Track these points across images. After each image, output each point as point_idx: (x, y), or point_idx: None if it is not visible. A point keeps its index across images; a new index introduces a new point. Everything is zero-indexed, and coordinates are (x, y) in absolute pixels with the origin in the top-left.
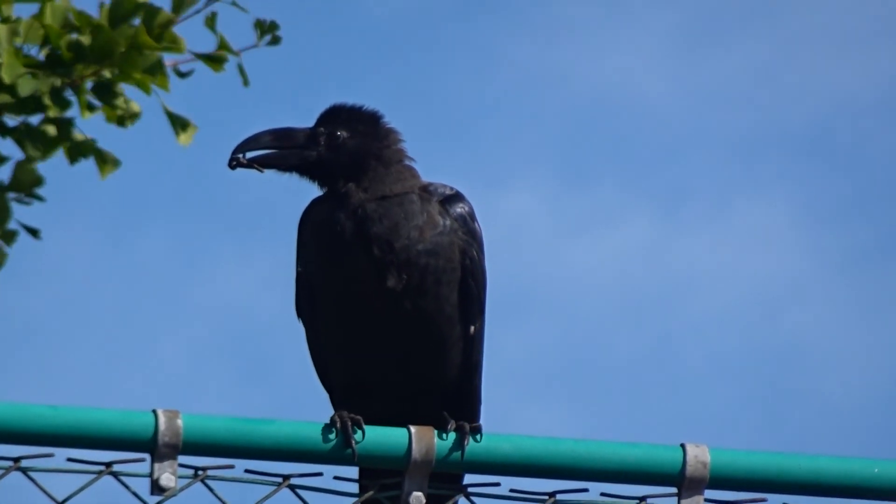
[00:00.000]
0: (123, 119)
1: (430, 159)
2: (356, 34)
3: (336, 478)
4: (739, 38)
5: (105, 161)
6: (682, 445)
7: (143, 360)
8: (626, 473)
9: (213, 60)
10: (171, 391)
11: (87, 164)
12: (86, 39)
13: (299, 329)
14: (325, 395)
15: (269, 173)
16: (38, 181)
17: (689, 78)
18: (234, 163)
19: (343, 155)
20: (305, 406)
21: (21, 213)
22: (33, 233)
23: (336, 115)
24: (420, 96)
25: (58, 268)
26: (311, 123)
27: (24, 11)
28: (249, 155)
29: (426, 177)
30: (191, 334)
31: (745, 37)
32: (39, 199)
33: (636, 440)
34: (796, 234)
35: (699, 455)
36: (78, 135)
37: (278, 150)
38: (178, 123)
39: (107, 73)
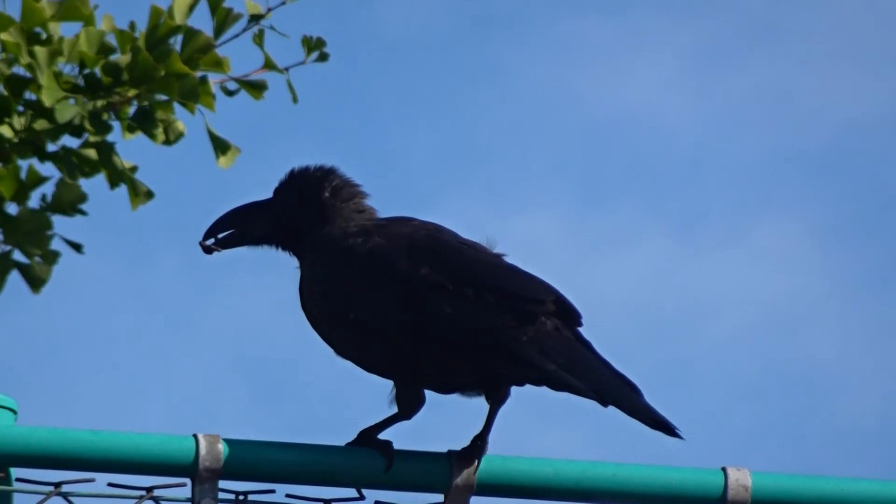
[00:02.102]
0: (169, 138)
1: (447, 180)
2: (371, 56)
3: (378, 502)
4: (756, 59)
5: (137, 193)
6: (724, 469)
7: (158, 384)
8: (667, 498)
9: (254, 87)
10: (185, 414)
11: (98, 187)
12: (123, 60)
13: (313, 352)
14: (343, 417)
15: (243, 250)
16: (82, 198)
17: (706, 99)
18: (206, 249)
19: (304, 219)
20: (321, 429)
21: None
22: (77, 248)
23: (291, 180)
24: (437, 117)
25: (72, 291)
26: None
27: (68, 30)
28: (220, 237)
29: (436, 194)
30: (205, 357)
31: (762, 58)
32: (82, 213)
33: (653, 463)
34: (813, 255)
35: (741, 479)
36: (117, 160)
37: (241, 229)
38: (220, 146)
39: (145, 99)
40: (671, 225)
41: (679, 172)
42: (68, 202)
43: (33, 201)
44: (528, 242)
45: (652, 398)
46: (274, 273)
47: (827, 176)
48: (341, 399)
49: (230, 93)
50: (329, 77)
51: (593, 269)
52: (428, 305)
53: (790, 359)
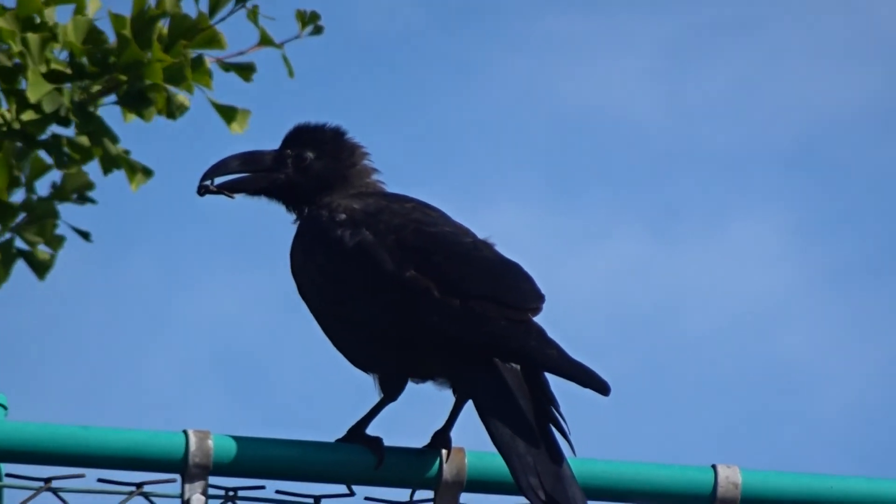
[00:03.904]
0: (172, 112)
1: (418, 173)
2: (343, 50)
3: (367, 498)
4: (728, 53)
5: (135, 171)
6: (714, 466)
7: (133, 378)
8: (657, 495)
9: (243, 69)
10: (161, 408)
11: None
12: (112, 47)
13: (289, 344)
14: (318, 411)
15: (239, 197)
16: (89, 185)
17: (679, 93)
18: (202, 190)
19: (310, 178)
20: (297, 422)
21: None
22: (84, 235)
23: (301, 136)
24: (407, 111)
25: (46, 286)
26: (280, 140)
27: (63, 15)
28: (218, 181)
29: (408, 190)
30: (180, 351)
31: (733, 53)
32: (91, 201)
33: (640, 460)
34: (787, 251)
35: (730, 476)
36: (110, 146)
37: (246, 175)
38: (226, 114)
39: (135, 83)
40: (644, 220)
41: (651, 167)
42: (74, 189)
43: (42, 189)
44: (500, 236)
45: (623, 395)
46: (250, 269)
47: (801, 171)
48: (318, 392)
49: (228, 68)
50: (301, 69)
51: (565, 263)
52: (413, 311)
53: (765, 354)
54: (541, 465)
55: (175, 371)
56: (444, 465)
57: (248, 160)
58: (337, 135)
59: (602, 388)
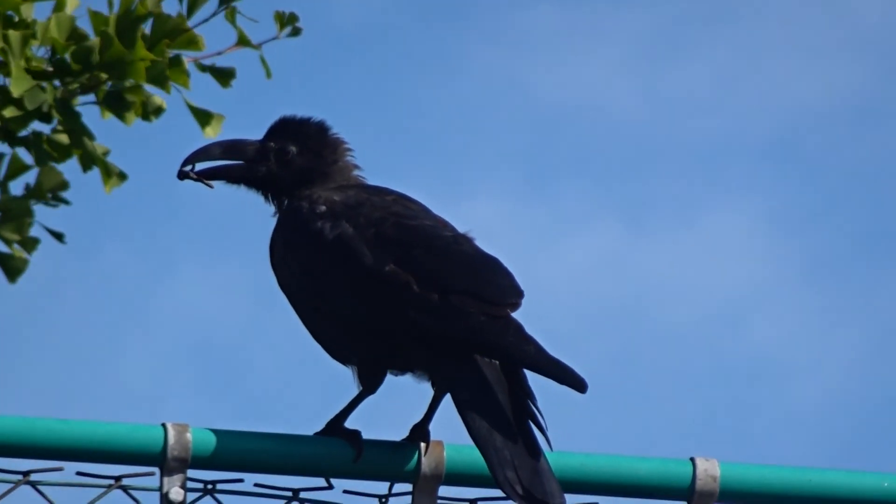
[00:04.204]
0: (147, 114)
1: (395, 165)
2: (319, 42)
3: (346, 491)
4: (703, 47)
5: (110, 174)
6: (692, 459)
7: (108, 371)
8: (635, 488)
9: (222, 75)
10: (136, 402)
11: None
12: (94, 45)
13: (265, 337)
14: (294, 403)
15: (218, 185)
16: (63, 185)
17: (654, 87)
18: (182, 175)
19: (292, 172)
20: (273, 415)
21: None
22: (58, 237)
23: (285, 129)
24: (383, 104)
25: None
26: (261, 134)
27: (42, 12)
28: (199, 167)
29: (385, 183)
30: (156, 344)
31: (709, 46)
32: (65, 202)
33: (599, 450)
34: (762, 243)
35: (709, 469)
36: (89, 144)
37: (227, 163)
38: (201, 117)
39: (116, 82)
40: (619, 212)
41: (627, 159)
42: (50, 189)
43: (16, 189)
44: (476, 228)
45: (597, 389)
46: (224, 261)
47: (775, 163)
48: (294, 385)
49: (204, 69)
50: (277, 63)
51: (540, 257)
52: (393, 305)
53: (739, 346)
54: (518, 459)
55: (150, 364)
56: (423, 459)
57: (230, 149)
58: (321, 130)
59: (579, 385)
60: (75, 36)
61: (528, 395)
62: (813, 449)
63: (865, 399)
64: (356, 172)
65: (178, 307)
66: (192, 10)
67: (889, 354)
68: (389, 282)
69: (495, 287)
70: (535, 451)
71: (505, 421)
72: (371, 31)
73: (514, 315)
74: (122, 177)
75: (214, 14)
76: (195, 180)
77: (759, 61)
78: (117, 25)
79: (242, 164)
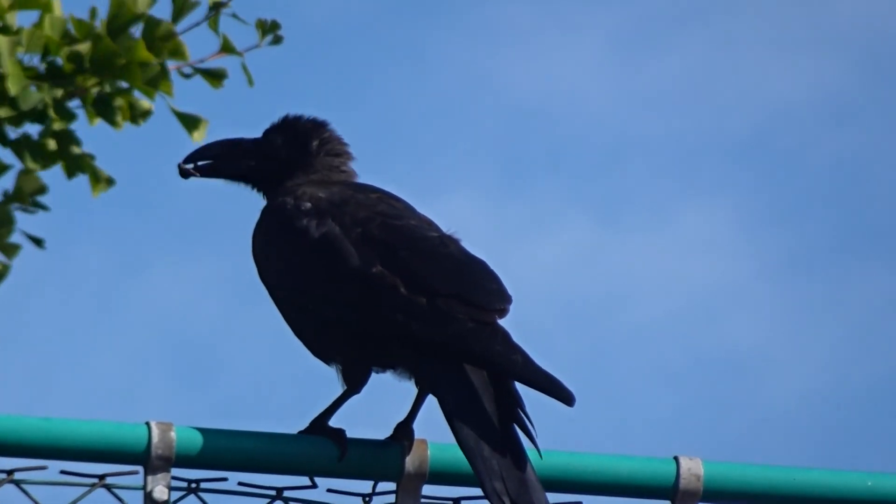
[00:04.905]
0: (136, 118)
1: (367, 162)
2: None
3: (330, 490)
4: (677, 43)
5: (98, 180)
6: (676, 458)
7: (81, 369)
8: (620, 487)
9: (213, 76)
10: (110, 399)
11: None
12: (85, 48)
13: (238, 333)
14: (270, 400)
15: (213, 183)
16: (42, 189)
17: (628, 83)
18: (184, 173)
19: (277, 163)
20: (248, 412)
21: None
22: (37, 242)
23: (280, 125)
24: (356, 100)
25: None
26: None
27: (25, 20)
28: (200, 164)
29: (360, 179)
30: (128, 341)
31: (683, 42)
32: (43, 208)
33: (574, 449)
34: (736, 240)
35: (693, 468)
36: (76, 149)
37: (225, 161)
38: (188, 122)
39: (108, 87)
40: (594, 209)
41: (602, 156)
42: (31, 194)
43: None
44: (450, 224)
45: (572, 386)
46: (199, 258)
47: (751, 160)
48: (271, 382)
49: (186, 76)
50: (248, 58)
51: (515, 253)
52: (379, 307)
53: (713, 343)
54: (506, 469)
55: (124, 362)
56: (407, 458)
57: (227, 146)
58: (313, 124)
59: (567, 398)
60: (68, 38)
61: (516, 400)
62: (789, 446)
63: (841, 396)
64: (349, 166)
65: (151, 305)
66: (177, 17)
67: (864, 351)
68: (377, 284)
69: (483, 292)
70: (522, 462)
71: (492, 429)
72: (343, 26)
73: (502, 320)
74: (110, 182)
75: (207, 17)
76: (195, 176)
77: (735, 58)
78: (108, 27)
79: (237, 162)
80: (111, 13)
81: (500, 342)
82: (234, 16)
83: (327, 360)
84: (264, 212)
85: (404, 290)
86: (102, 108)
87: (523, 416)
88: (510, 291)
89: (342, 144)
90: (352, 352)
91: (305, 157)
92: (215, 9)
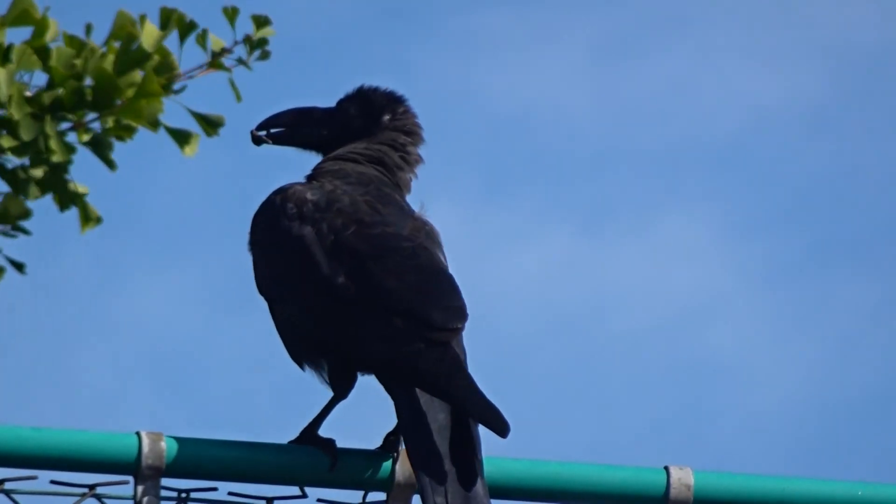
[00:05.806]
0: (122, 137)
1: None
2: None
3: (320, 500)
4: (658, 51)
5: (88, 217)
6: (666, 468)
7: (61, 378)
8: (610, 496)
9: (209, 124)
10: (90, 408)
11: None
12: (82, 65)
13: (219, 343)
14: (254, 411)
15: (289, 150)
16: (26, 214)
17: (610, 91)
18: (257, 140)
19: (347, 134)
20: (229, 421)
21: None
22: (18, 267)
23: (355, 96)
24: None
25: None
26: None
27: (15, 37)
28: (272, 131)
29: None
30: (109, 350)
31: (664, 51)
32: (25, 232)
33: (557, 459)
34: (719, 249)
35: (683, 478)
36: (70, 183)
37: (297, 129)
38: (179, 138)
39: (109, 122)
40: (575, 218)
41: (583, 166)
42: (14, 216)
43: None
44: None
45: (555, 396)
46: (180, 267)
47: (731, 168)
48: (249, 390)
49: (194, 115)
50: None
51: (497, 262)
52: (338, 319)
53: (696, 352)
54: (451, 486)
55: (107, 371)
56: (397, 467)
57: (301, 114)
58: (389, 99)
59: (501, 429)
60: (72, 69)
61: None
62: (772, 454)
63: (824, 404)
64: (404, 140)
65: (131, 315)
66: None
67: (847, 360)
68: (338, 296)
69: (441, 310)
70: (469, 479)
71: (443, 444)
72: (321, 35)
73: (460, 337)
74: (99, 220)
75: (209, 69)
76: (271, 144)
77: (715, 66)
78: (116, 63)
79: (310, 130)
80: (121, 50)
81: (448, 365)
82: (240, 60)
83: (299, 364)
84: (259, 209)
85: (363, 305)
86: (98, 147)
87: (473, 434)
88: (467, 307)
89: (416, 124)
90: (317, 359)
91: (373, 130)
92: (220, 58)
